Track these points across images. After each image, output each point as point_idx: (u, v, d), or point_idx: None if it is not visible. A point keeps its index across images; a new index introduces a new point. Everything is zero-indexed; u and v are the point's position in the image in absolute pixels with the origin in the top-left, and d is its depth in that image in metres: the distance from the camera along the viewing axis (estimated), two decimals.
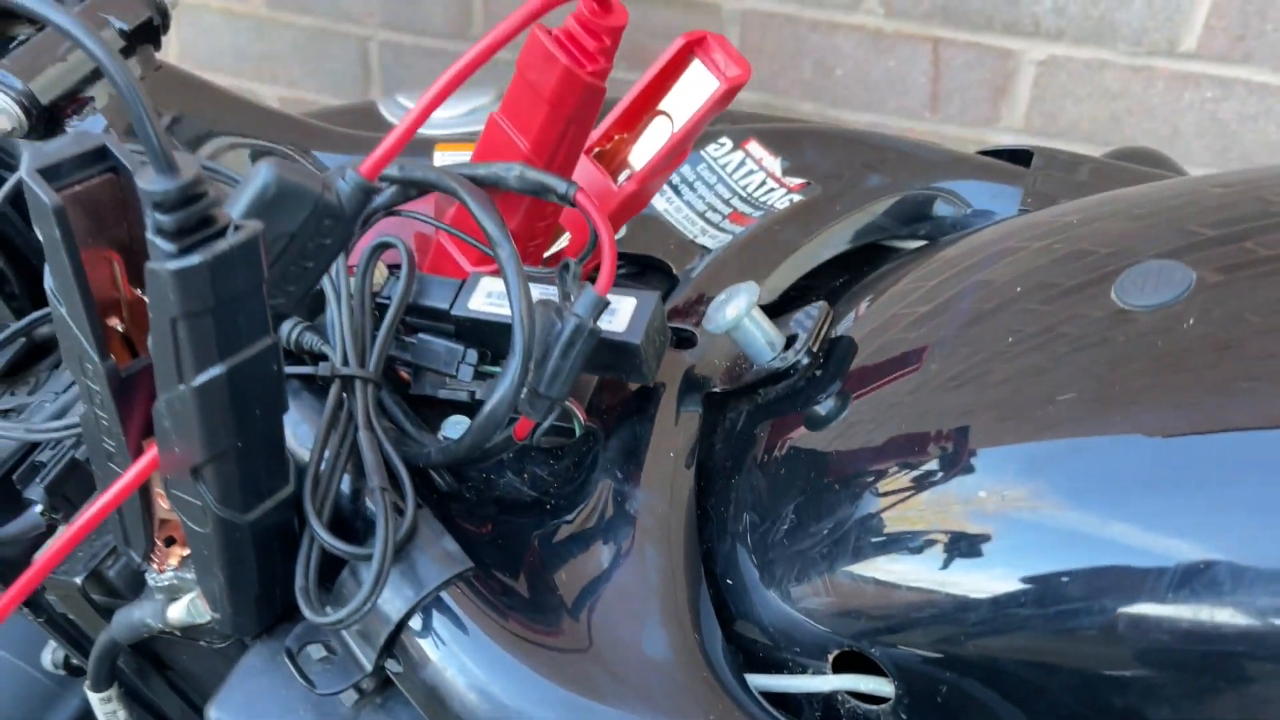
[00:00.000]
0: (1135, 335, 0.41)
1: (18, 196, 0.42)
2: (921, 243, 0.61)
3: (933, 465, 0.42)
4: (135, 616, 0.51)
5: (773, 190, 0.61)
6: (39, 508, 0.53)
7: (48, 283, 0.41)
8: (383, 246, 0.51)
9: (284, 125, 0.67)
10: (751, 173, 0.62)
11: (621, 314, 0.48)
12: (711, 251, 0.58)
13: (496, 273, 0.51)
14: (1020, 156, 0.64)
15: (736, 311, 0.48)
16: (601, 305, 0.45)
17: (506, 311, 0.49)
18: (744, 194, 0.61)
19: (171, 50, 1.54)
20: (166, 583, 0.48)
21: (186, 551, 0.48)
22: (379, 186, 0.43)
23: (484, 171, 0.49)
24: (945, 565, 0.40)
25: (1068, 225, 0.50)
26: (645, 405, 0.50)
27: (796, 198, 0.60)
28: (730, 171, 0.63)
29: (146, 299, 0.37)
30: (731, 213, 0.61)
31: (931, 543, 0.41)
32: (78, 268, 0.39)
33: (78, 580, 0.52)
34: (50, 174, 0.39)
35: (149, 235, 0.37)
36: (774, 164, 0.63)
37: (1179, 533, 0.37)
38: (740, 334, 0.49)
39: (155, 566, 0.48)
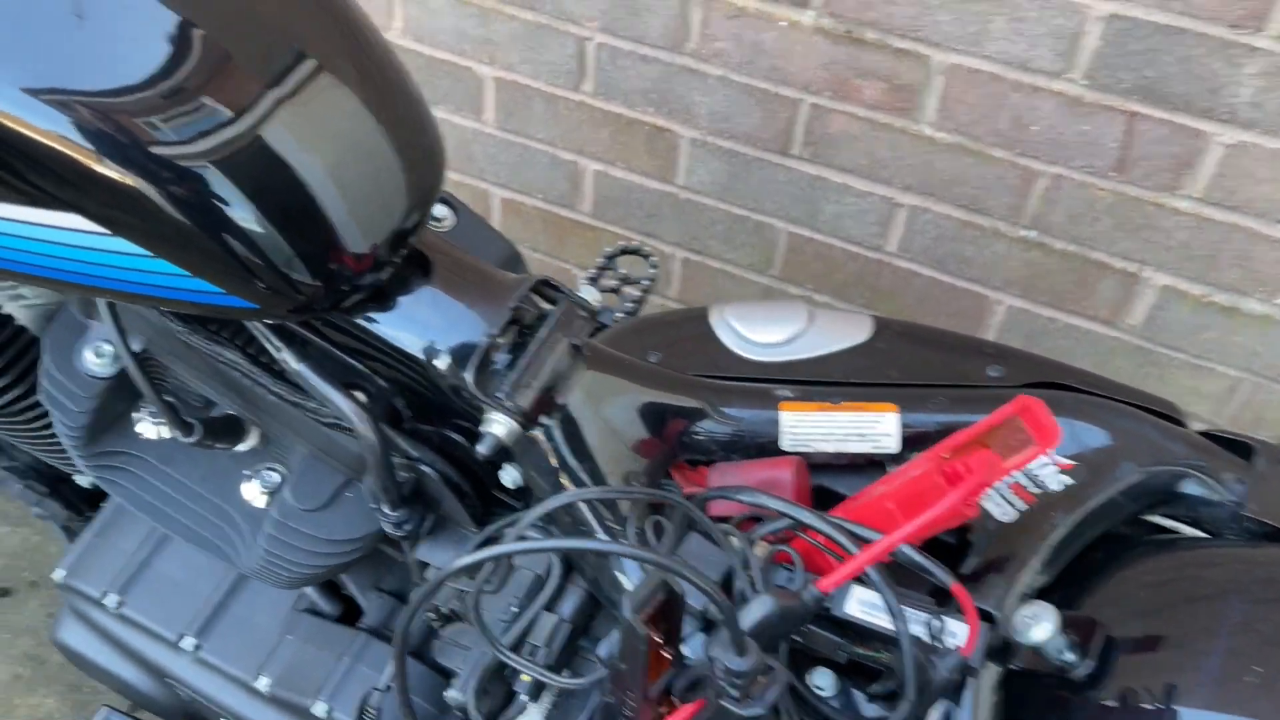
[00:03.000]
0: None
1: None
2: (1188, 529, 0.79)
3: None
4: None
5: (1046, 466, 0.80)
6: None
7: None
8: None
9: (696, 389, 0.85)
10: None
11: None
12: (998, 521, 0.78)
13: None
14: (1239, 446, 0.81)
15: (1044, 634, 0.69)
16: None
17: (881, 620, 0.70)
18: (1025, 470, 0.80)
19: (396, 23, 1.66)
20: None
21: None
22: (830, 597, 0.64)
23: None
24: None
25: None
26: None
27: (1066, 479, 0.79)
28: None
29: None
30: (1013, 483, 0.80)
31: None
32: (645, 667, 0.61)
33: None
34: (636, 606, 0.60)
35: (720, 680, 0.59)
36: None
37: None
38: (1044, 647, 0.70)
39: None
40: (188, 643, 1.13)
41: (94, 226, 0.67)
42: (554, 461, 0.79)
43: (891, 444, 0.84)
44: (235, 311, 0.74)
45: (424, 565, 0.91)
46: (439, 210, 0.99)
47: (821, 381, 0.89)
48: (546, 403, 0.78)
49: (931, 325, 0.99)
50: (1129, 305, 1.46)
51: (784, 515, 0.73)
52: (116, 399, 0.96)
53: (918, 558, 0.68)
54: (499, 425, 0.75)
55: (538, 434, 0.79)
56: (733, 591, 0.71)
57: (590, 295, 0.83)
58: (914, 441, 0.84)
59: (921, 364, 0.91)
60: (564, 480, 0.80)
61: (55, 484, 1.33)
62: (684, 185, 1.63)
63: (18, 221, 0.67)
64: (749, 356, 0.92)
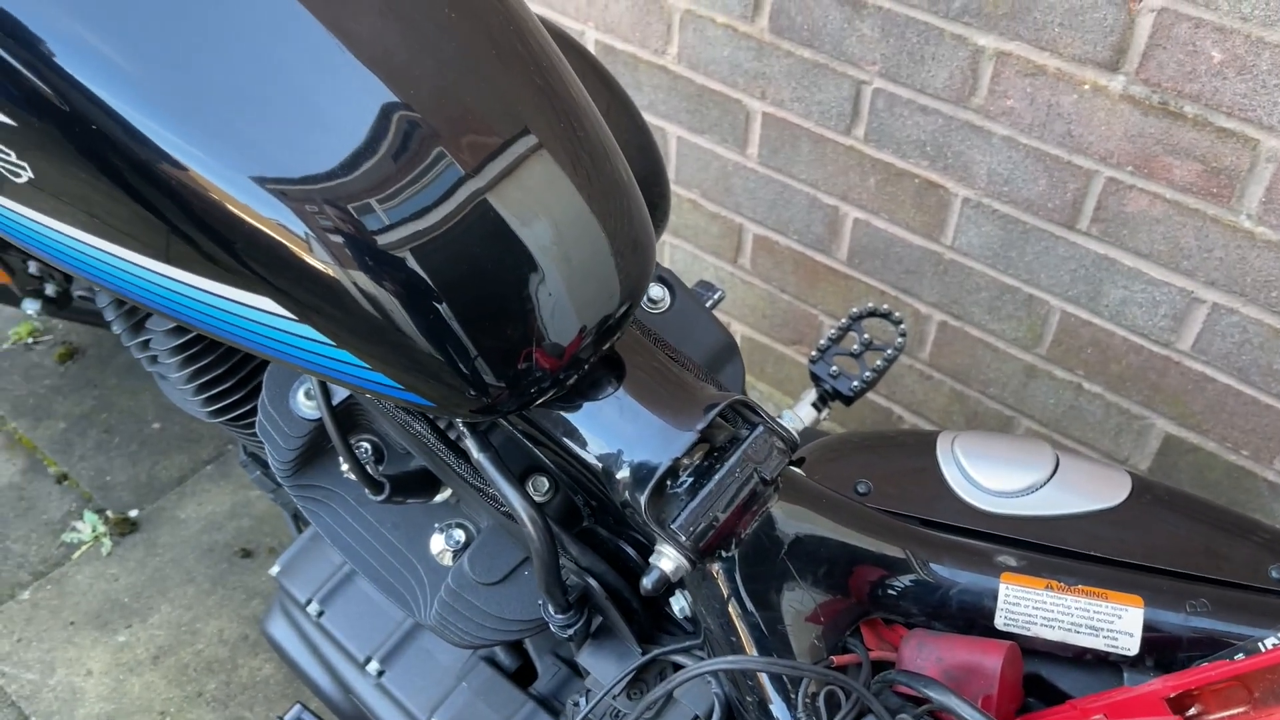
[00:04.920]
0: None
1: None
2: None
3: None
4: None
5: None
6: None
7: None
8: None
9: (903, 537, 0.75)
10: None
11: None
12: None
13: None
14: None
15: None
16: None
17: None
18: None
19: (671, 49, 1.61)
20: None
21: None
22: None
23: None
24: None
25: None
26: None
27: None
28: None
29: None
30: None
31: None
32: None
33: None
34: None
35: None
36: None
37: None
38: None
39: None
40: (373, 667, 1.15)
41: (283, 311, 0.66)
42: (728, 603, 0.72)
43: (1130, 645, 0.71)
44: (413, 405, 0.71)
45: (588, 671, 0.87)
46: (655, 291, 0.93)
47: (1058, 550, 0.76)
48: (725, 538, 0.71)
49: (1203, 497, 0.83)
50: None
51: None
52: (325, 437, 0.97)
53: None
54: (667, 560, 0.69)
55: (714, 568, 0.72)
56: None
57: (792, 422, 0.74)
58: (1159, 646, 0.71)
59: (1184, 546, 0.76)
60: (736, 621, 0.72)
61: None
62: (951, 245, 1.49)
63: (217, 295, 0.67)
64: (975, 504, 0.80)
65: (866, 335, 1.02)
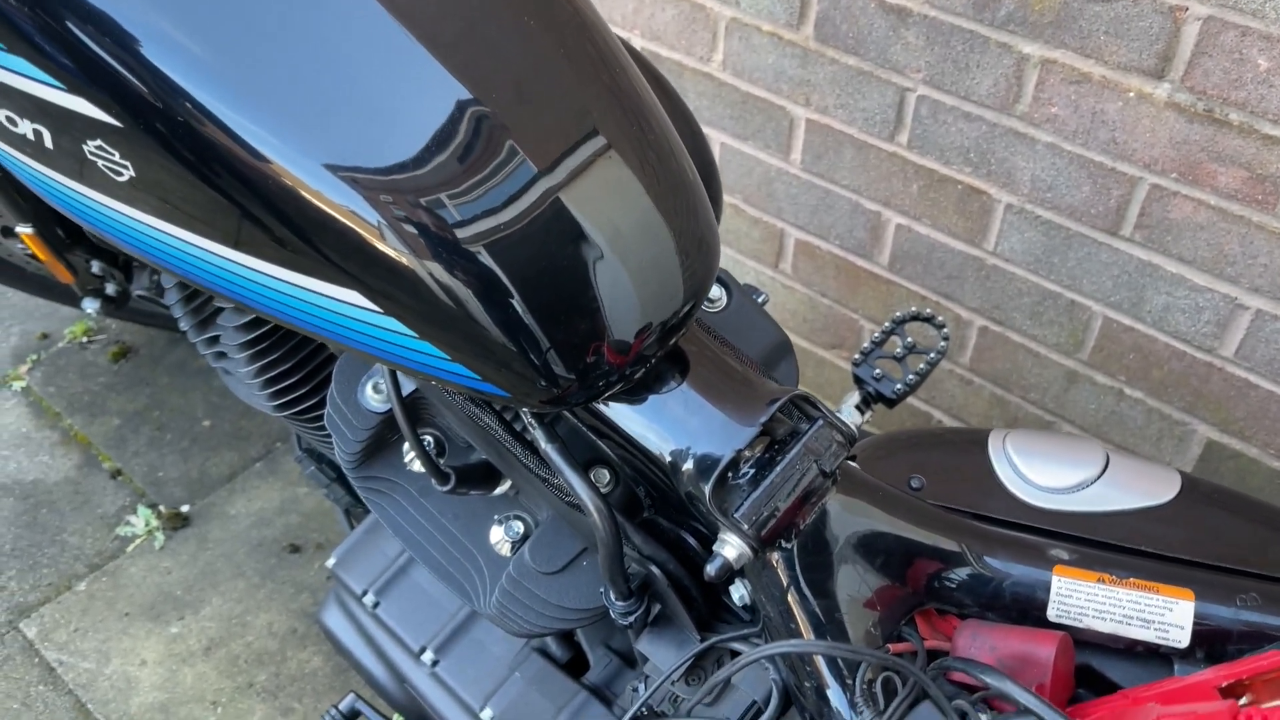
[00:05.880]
0: None
1: None
2: None
3: None
4: None
5: None
6: None
7: None
8: None
9: (958, 530, 0.77)
10: None
11: None
12: None
13: None
14: None
15: None
16: None
17: None
18: None
19: (717, 56, 1.64)
20: None
21: None
22: None
23: None
24: None
25: None
26: None
27: None
28: None
29: None
30: None
31: None
32: None
33: None
34: None
35: None
36: None
37: None
38: None
39: None
40: (428, 657, 1.18)
41: (369, 304, 0.69)
42: (787, 592, 0.74)
43: (1181, 638, 0.73)
44: (489, 396, 0.74)
45: (645, 658, 0.89)
46: (713, 290, 0.95)
47: (1109, 545, 0.78)
48: (786, 528, 0.73)
49: (1252, 496, 0.85)
50: None
51: (1028, 712, 0.64)
52: (391, 429, 1.00)
53: None
54: (730, 548, 0.71)
55: (774, 557, 0.75)
56: None
57: (851, 416, 0.76)
58: (1209, 639, 0.72)
59: (1233, 541, 0.77)
60: (795, 609, 0.75)
61: (341, 474, 1.44)
62: (993, 251, 1.51)
63: (309, 290, 0.71)
64: (1027, 499, 0.82)
65: (910, 339, 1.04)
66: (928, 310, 1.06)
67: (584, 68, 0.72)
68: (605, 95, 0.72)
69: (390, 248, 0.66)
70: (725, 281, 0.96)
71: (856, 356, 0.99)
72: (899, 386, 0.96)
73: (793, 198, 1.70)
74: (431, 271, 0.67)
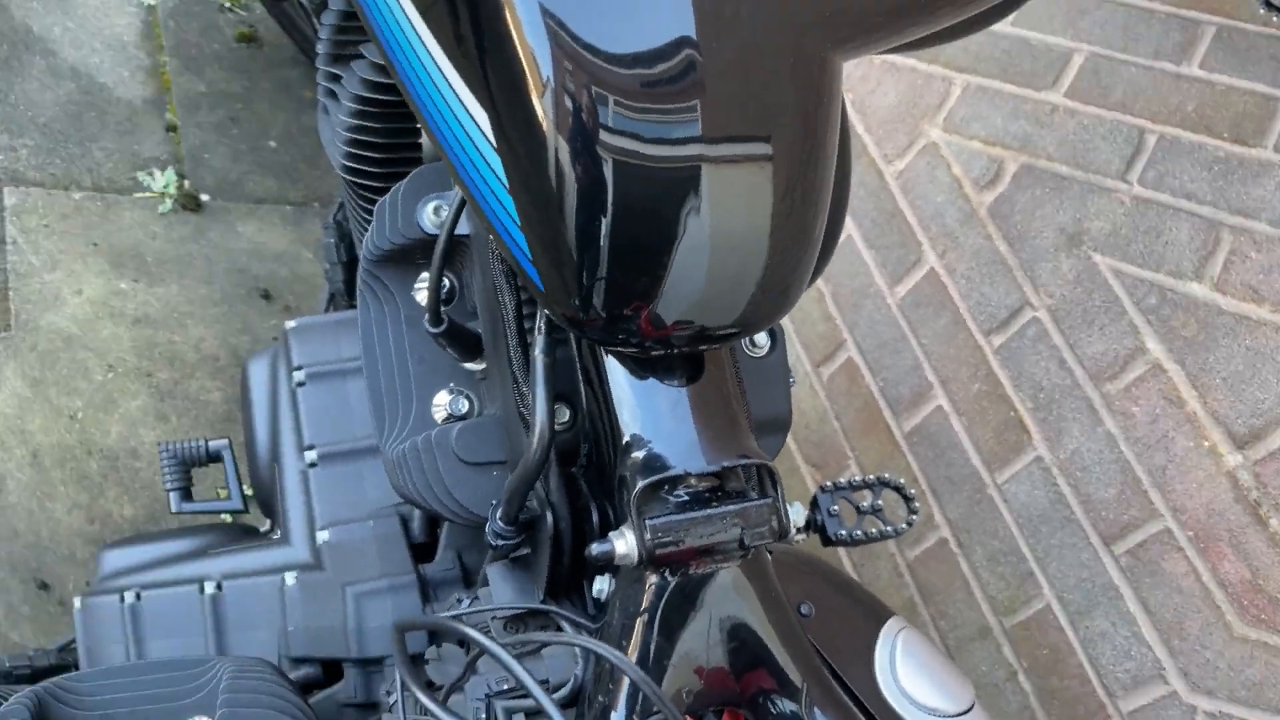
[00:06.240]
0: None
1: None
2: None
3: None
4: None
5: None
6: None
7: None
8: None
9: (815, 674, 0.79)
10: None
11: None
12: None
13: None
14: None
15: None
16: None
17: None
18: None
19: (939, 116, 1.65)
20: None
21: None
22: None
23: None
24: None
25: None
26: None
27: None
28: None
29: None
30: None
31: None
32: None
33: None
34: None
35: None
36: None
37: None
38: None
39: None
40: (310, 455, 1.19)
41: (489, 133, 0.70)
42: (640, 614, 0.75)
43: None
44: (527, 280, 0.75)
45: (486, 581, 0.90)
46: (760, 337, 0.96)
47: None
48: (678, 563, 0.74)
49: None
50: None
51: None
52: (423, 253, 1.01)
53: None
54: (624, 544, 0.72)
55: (651, 578, 0.75)
56: None
57: (797, 515, 0.77)
58: None
59: None
60: (637, 630, 0.76)
61: (351, 261, 1.45)
62: (999, 484, 1.52)
63: (448, 83, 0.72)
64: (884, 693, 0.82)
65: (880, 502, 1.05)
66: (912, 491, 1.07)
67: (801, 79, 0.72)
68: (799, 116, 0.72)
69: (540, 105, 0.67)
70: (776, 338, 0.97)
71: (827, 484, 1.00)
72: (843, 533, 0.97)
73: (873, 324, 1.71)
74: (558, 148, 0.67)
